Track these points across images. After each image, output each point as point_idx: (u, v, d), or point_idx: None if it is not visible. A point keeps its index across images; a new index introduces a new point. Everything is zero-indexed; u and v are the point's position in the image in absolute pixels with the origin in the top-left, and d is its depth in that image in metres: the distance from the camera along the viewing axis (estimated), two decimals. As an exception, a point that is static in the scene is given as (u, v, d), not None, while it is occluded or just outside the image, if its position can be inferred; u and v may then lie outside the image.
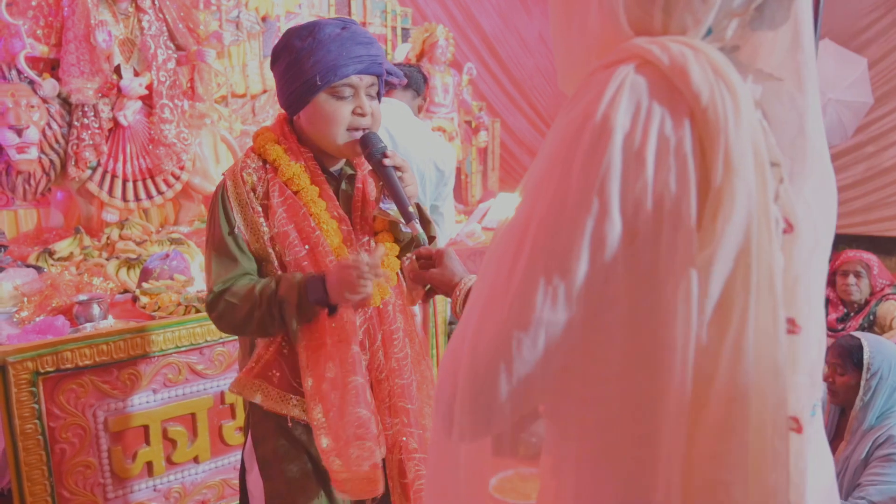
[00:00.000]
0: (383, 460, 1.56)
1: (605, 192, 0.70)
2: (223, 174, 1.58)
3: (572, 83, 0.83)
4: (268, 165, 1.54)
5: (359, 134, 1.52)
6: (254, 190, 1.51)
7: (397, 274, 1.63)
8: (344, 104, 1.49)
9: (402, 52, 4.87)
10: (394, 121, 2.60)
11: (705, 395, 0.74)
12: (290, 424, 1.56)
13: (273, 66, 1.55)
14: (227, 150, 3.89)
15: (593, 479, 0.82)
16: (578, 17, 0.81)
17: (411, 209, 1.49)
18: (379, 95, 1.57)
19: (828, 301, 3.52)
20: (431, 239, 1.54)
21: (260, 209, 1.51)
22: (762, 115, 0.77)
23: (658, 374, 0.75)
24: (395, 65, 2.98)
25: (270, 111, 4.25)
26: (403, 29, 5.02)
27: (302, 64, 1.45)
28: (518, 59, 7.15)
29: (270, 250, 1.50)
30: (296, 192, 1.51)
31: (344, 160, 1.62)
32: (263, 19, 4.14)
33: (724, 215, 0.69)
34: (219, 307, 1.48)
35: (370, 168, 1.57)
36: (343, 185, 1.61)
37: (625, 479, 0.81)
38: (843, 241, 7.35)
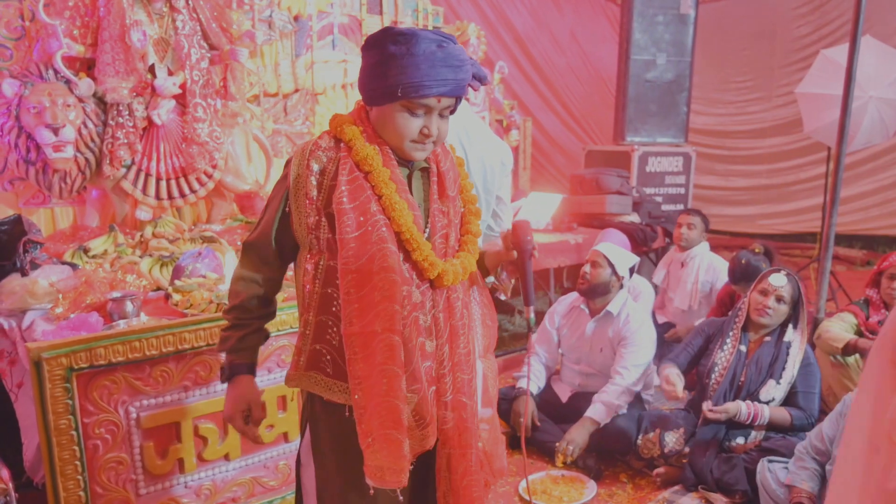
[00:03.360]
0: (429, 452, 1.59)
1: None
2: (293, 153, 1.59)
3: None
4: (342, 144, 1.53)
5: (420, 149, 1.53)
6: (322, 173, 1.52)
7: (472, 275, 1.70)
8: (414, 120, 1.48)
9: (433, 51, 4.85)
10: (466, 119, 2.69)
11: None
12: (347, 414, 1.55)
13: (364, 52, 1.53)
14: (259, 149, 3.91)
15: None
16: None
17: (532, 295, 1.62)
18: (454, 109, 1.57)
19: (870, 302, 3.43)
20: (537, 324, 1.62)
21: (318, 201, 1.52)
22: None
23: None
24: None
25: (302, 110, 4.26)
26: (435, 27, 5.01)
27: (389, 69, 1.44)
28: (550, 57, 7.10)
29: (311, 237, 1.53)
30: (366, 174, 1.50)
31: None
32: (296, 18, 4.16)
33: None
34: (232, 280, 1.67)
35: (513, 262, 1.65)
36: (415, 176, 1.60)
37: None
38: (886, 243, 7.18)
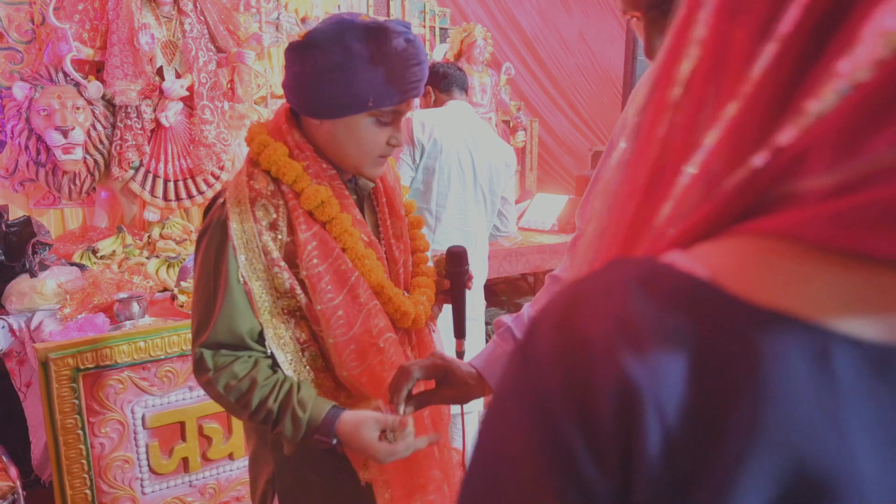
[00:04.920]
0: None
1: None
2: (224, 201, 1.26)
3: None
4: (284, 187, 1.26)
5: (382, 164, 1.32)
6: (273, 227, 1.24)
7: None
8: (382, 131, 1.26)
9: (440, 53, 4.87)
10: (471, 122, 2.74)
11: None
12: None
13: (303, 52, 1.21)
14: (266, 151, 3.93)
15: None
16: None
17: (464, 328, 1.43)
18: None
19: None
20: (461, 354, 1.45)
21: (282, 260, 1.24)
22: None
23: None
24: (433, 64, 3.03)
25: (309, 112, 4.28)
26: (441, 29, 5.02)
27: (356, 73, 1.18)
28: (558, 58, 7.10)
29: (290, 302, 1.28)
30: (324, 223, 1.26)
31: None
32: (303, 21, 4.17)
33: None
34: (215, 384, 1.25)
35: (447, 281, 1.45)
36: (365, 201, 1.41)
37: None
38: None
